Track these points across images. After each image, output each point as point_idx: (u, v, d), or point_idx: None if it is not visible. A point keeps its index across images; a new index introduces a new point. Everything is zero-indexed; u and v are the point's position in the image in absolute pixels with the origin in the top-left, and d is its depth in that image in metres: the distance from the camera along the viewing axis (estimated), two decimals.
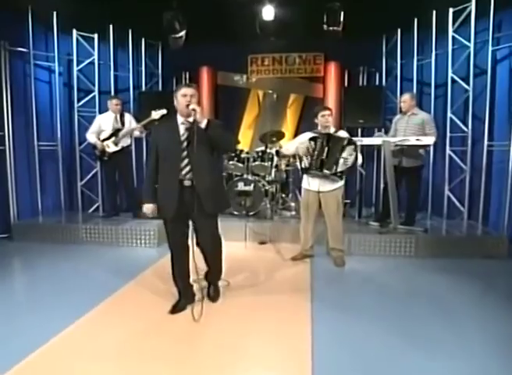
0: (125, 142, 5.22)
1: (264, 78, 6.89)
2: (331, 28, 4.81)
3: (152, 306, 3.02)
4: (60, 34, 5.56)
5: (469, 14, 4.85)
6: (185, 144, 2.71)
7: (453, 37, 5.09)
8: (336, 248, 4.04)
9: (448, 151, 5.23)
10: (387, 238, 4.29)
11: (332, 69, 6.48)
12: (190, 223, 2.92)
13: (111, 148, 5.14)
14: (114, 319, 2.81)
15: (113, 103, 5.21)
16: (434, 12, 5.29)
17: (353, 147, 3.66)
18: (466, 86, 4.97)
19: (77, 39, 5.71)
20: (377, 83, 6.39)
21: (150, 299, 3.16)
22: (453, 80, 5.14)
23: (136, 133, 5.21)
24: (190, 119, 2.69)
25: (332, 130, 3.88)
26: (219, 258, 3.12)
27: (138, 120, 5.27)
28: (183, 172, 2.72)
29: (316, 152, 3.76)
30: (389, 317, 2.85)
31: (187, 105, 2.67)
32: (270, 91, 6.96)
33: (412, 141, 4.12)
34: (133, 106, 6.25)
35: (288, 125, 6.98)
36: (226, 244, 3.17)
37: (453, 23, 5.07)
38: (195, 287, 3.12)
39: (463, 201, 5.13)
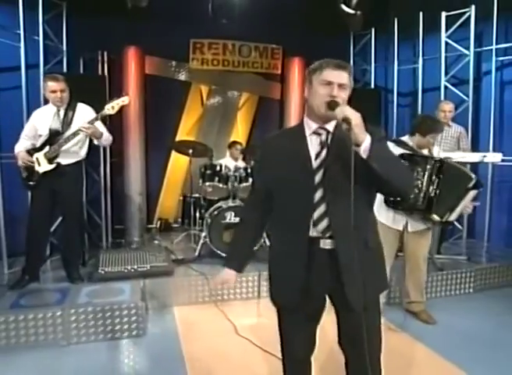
0: (70, 156, 3.07)
1: (210, 70, 5.35)
2: (352, 11, 3.75)
3: None
4: None
5: (467, 19, 4.53)
6: (320, 173, 1.45)
7: (444, 43, 4.71)
8: (418, 301, 3.06)
9: None
10: (447, 275, 3.53)
11: (296, 66, 5.45)
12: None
13: (42, 165, 2.95)
14: None
15: (49, 88, 3.00)
16: (421, 14, 4.84)
17: (476, 192, 2.68)
18: (464, 96, 4.64)
19: None
20: None
21: None
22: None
23: (98, 141, 3.13)
24: (329, 127, 1.48)
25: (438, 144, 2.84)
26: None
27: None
28: (320, 225, 1.46)
29: (420, 182, 2.67)
30: None
31: (330, 104, 1.38)
32: (216, 87, 5.48)
33: (476, 157, 3.45)
34: (28, 93, 3.93)
35: (238, 131, 5.62)
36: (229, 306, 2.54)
37: (447, 28, 4.69)
38: None
39: (460, 219, 4.82)
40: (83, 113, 3.14)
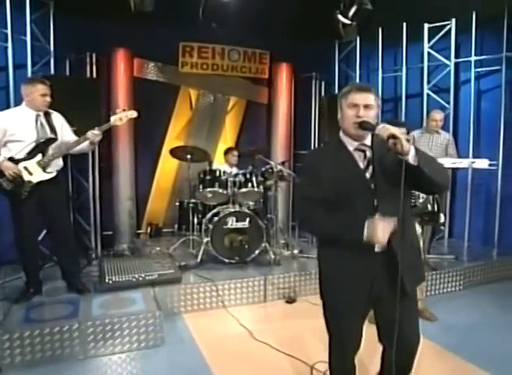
0: (58, 165, 2.99)
1: (199, 74, 5.33)
2: (348, 21, 3.87)
3: None
4: None
5: (448, 31, 4.81)
6: (372, 185, 1.62)
7: (427, 53, 4.97)
8: (418, 298, 3.22)
9: None
10: (440, 274, 3.75)
11: (284, 71, 5.54)
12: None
13: (35, 174, 2.82)
14: None
15: (39, 90, 2.87)
16: (404, 24, 5.07)
17: None
18: (445, 104, 4.92)
19: None
20: (322, 93, 5.80)
21: None
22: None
23: (84, 147, 3.04)
24: (368, 143, 1.66)
25: None
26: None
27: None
28: None
29: None
30: None
31: (361, 125, 1.57)
32: (205, 91, 5.46)
33: (465, 163, 3.69)
34: (16, 94, 3.76)
35: (227, 135, 5.64)
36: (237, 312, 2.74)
37: (429, 39, 4.95)
38: None
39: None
40: (60, 120, 3.06)
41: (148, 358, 2.56)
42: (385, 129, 1.47)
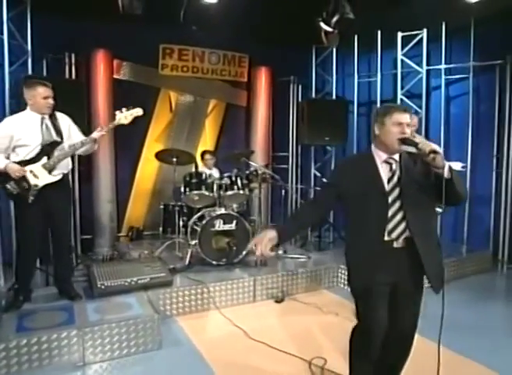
0: (64, 167, 2.94)
1: (179, 76, 5.32)
2: (330, 29, 4.01)
3: None
4: None
5: (420, 40, 5.07)
6: (395, 192, 1.80)
7: (400, 60, 5.22)
8: None
9: None
10: None
11: (263, 75, 5.63)
12: None
13: (40, 177, 2.76)
14: None
15: (40, 94, 2.80)
16: (379, 32, 5.30)
17: None
18: (417, 108, 5.18)
19: None
20: (299, 97, 5.94)
21: None
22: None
23: (88, 147, 2.99)
24: (396, 157, 1.84)
25: None
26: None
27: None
28: (394, 233, 1.81)
29: None
30: None
31: (404, 141, 1.75)
32: (185, 94, 5.46)
33: None
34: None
35: (206, 137, 5.66)
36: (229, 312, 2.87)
37: (402, 47, 5.19)
38: None
39: None
40: (65, 121, 3.01)
41: (149, 362, 2.57)
42: (428, 145, 1.66)
